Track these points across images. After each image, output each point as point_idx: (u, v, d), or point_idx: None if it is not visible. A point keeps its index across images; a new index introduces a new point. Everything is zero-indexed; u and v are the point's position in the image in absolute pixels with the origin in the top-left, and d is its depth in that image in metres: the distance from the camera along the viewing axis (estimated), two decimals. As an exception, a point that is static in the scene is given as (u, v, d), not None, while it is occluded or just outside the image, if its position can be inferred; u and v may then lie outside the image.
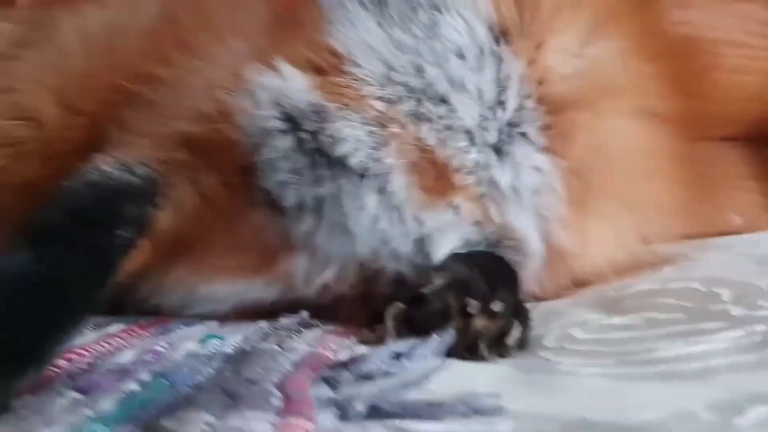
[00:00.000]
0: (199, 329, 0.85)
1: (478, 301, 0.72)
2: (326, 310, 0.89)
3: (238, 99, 0.90)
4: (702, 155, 1.09)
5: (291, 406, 0.53)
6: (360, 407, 0.54)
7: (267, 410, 0.51)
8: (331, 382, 0.61)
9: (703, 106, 1.07)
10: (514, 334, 0.72)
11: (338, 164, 0.86)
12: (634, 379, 0.63)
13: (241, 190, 0.91)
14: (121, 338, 0.80)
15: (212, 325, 0.87)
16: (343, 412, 0.54)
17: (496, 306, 0.72)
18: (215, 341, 0.77)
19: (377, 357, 0.65)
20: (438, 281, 0.76)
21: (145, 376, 0.61)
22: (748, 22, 1.17)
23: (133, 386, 0.59)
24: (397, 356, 0.66)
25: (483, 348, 0.70)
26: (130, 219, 0.88)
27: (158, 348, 0.74)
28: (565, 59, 0.91)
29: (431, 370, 0.65)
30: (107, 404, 0.54)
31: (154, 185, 0.91)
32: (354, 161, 0.86)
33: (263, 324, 0.85)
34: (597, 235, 0.94)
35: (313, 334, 0.81)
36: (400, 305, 0.76)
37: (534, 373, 0.67)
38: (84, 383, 0.60)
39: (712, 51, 1.12)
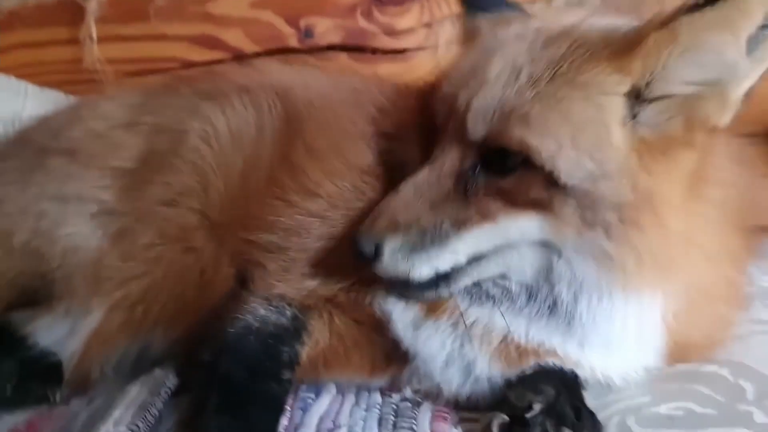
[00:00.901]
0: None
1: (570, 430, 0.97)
2: None
3: None
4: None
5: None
6: None
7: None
8: None
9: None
10: None
11: None
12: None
13: (369, 324, 1.17)
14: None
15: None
16: None
17: None
18: None
19: None
20: (537, 406, 1.00)
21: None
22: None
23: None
24: None
25: None
26: (287, 361, 1.12)
27: None
28: None
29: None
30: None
31: (302, 325, 1.15)
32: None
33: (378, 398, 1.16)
34: None
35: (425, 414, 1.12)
36: (505, 417, 1.01)
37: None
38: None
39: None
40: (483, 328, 1.11)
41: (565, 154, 0.97)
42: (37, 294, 1.32)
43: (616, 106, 0.98)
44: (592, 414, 1.04)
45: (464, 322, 1.10)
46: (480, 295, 1.10)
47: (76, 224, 1.34)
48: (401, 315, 1.14)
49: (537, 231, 1.01)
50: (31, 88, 2.03)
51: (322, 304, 1.18)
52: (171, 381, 1.20)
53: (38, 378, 1.22)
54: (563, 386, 1.07)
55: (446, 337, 1.12)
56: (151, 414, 1.10)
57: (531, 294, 1.07)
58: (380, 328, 1.16)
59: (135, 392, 1.15)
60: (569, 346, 1.09)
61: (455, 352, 1.12)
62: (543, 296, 1.06)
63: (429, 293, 1.07)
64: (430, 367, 1.13)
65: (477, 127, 1.02)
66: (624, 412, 1.07)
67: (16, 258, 1.34)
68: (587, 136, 0.98)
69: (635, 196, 0.98)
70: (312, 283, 1.17)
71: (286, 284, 1.18)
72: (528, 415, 0.99)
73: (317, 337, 1.17)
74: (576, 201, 0.98)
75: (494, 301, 1.09)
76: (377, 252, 1.03)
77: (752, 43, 0.93)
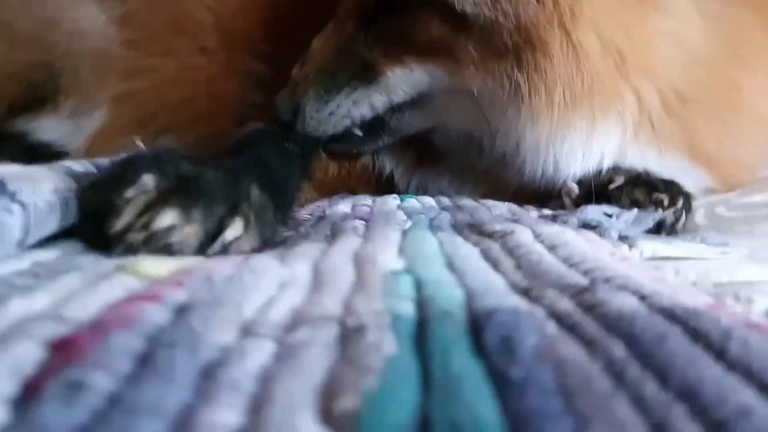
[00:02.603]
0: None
1: (665, 194, 0.87)
2: None
3: None
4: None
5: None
6: (614, 234, 0.68)
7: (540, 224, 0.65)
8: (558, 222, 0.73)
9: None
10: (682, 219, 0.87)
11: None
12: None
13: None
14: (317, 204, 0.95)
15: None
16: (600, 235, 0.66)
17: (679, 201, 0.87)
18: (410, 199, 0.96)
19: (594, 211, 0.78)
20: (619, 179, 0.90)
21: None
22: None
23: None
24: (608, 215, 0.79)
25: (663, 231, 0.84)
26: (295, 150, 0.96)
27: (367, 202, 0.92)
28: None
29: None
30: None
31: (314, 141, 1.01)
32: None
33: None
34: None
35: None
36: (574, 187, 0.91)
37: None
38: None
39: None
40: None
41: None
42: (43, 90, 1.24)
43: None
44: (678, 184, 0.92)
45: None
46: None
47: (80, 8, 1.24)
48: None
49: (446, 76, 0.91)
50: None
51: None
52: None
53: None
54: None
55: None
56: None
57: (476, 144, 0.98)
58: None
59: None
60: None
61: None
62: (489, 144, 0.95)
63: (362, 146, 1.02)
64: None
65: None
66: (711, 204, 0.97)
67: (20, 49, 1.24)
68: None
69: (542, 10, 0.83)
70: None
71: None
72: (611, 186, 0.88)
73: (328, 162, 1.08)
74: (477, 33, 0.86)
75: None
76: (296, 113, 0.97)
77: None
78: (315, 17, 1.06)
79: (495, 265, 0.50)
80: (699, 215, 0.94)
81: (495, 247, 0.54)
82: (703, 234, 0.68)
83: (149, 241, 0.53)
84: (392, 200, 0.94)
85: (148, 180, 0.54)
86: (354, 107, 0.95)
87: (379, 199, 0.96)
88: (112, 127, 1.22)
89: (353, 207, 0.90)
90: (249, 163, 0.72)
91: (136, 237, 0.53)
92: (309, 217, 0.87)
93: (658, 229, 0.83)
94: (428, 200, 0.96)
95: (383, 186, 1.09)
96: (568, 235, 0.57)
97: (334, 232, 0.67)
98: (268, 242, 0.64)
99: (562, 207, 0.91)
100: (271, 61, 1.19)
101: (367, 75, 0.94)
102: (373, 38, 0.94)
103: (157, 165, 0.56)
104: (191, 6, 1.23)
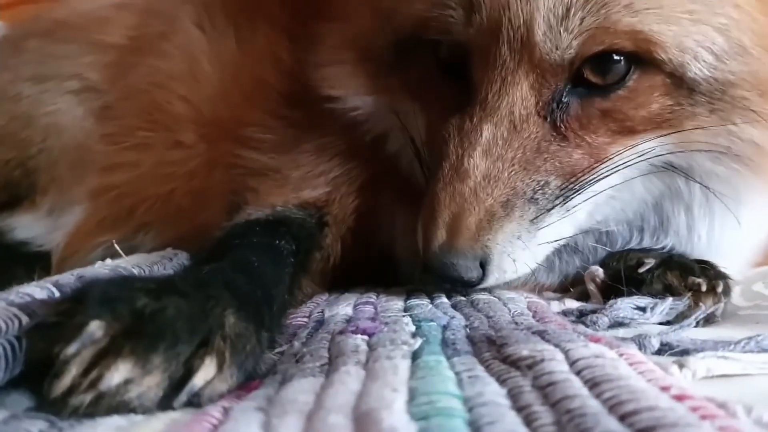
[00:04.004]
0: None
1: (702, 278, 0.79)
2: None
3: None
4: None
5: (593, 338, 0.56)
6: (655, 343, 0.61)
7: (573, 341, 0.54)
8: (587, 324, 0.69)
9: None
10: (721, 308, 0.78)
11: None
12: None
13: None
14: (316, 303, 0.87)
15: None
16: (640, 347, 0.60)
17: (719, 286, 0.79)
18: (418, 293, 0.85)
19: (625, 307, 0.73)
20: (650, 261, 0.82)
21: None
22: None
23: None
24: (641, 309, 0.73)
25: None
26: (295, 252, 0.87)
27: (371, 299, 0.83)
28: None
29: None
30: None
31: (318, 229, 0.95)
32: None
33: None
34: None
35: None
36: (599, 271, 0.84)
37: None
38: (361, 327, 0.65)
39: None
40: None
41: (688, 38, 0.72)
42: (19, 188, 1.20)
43: None
44: (714, 266, 0.84)
45: None
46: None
47: (56, 102, 1.20)
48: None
49: (660, 154, 0.78)
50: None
51: (335, 226, 0.98)
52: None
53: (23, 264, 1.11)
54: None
55: None
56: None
57: (632, 233, 0.88)
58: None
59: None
60: None
61: None
62: (650, 230, 0.87)
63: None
64: None
65: (557, 40, 0.72)
66: (749, 280, 0.94)
67: None
68: (708, 5, 0.73)
69: None
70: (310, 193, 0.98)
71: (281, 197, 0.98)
72: (642, 270, 0.80)
73: (329, 253, 0.98)
74: (706, 97, 0.75)
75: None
76: (484, 267, 0.75)
77: None
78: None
79: (528, 420, 0.40)
80: (735, 293, 0.87)
81: (526, 387, 0.45)
82: (758, 335, 0.58)
83: (99, 402, 0.45)
84: (397, 296, 0.84)
85: (96, 328, 0.46)
86: (554, 232, 0.77)
87: (383, 295, 0.86)
88: (90, 222, 1.17)
89: (355, 307, 0.80)
90: (227, 275, 0.63)
91: (83, 399, 0.44)
92: (305, 321, 0.78)
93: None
94: (437, 294, 0.85)
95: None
96: (608, 363, 0.48)
97: (333, 356, 0.58)
98: (252, 375, 0.55)
99: (586, 293, 0.83)
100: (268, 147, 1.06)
101: (569, 184, 0.76)
102: (569, 133, 0.76)
103: (108, 303, 0.48)
104: (164, 97, 1.16)
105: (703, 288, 0.77)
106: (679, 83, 0.73)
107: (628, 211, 0.85)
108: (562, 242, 0.80)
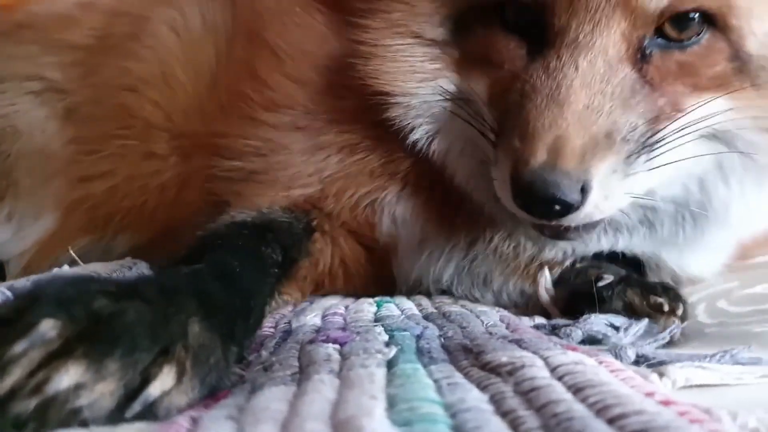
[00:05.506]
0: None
1: (664, 298, 0.79)
2: None
3: None
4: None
5: (570, 347, 0.56)
6: (631, 354, 0.60)
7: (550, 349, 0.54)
8: (561, 336, 0.69)
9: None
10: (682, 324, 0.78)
11: None
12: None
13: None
14: (282, 314, 0.83)
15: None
16: (616, 357, 0.58)
17: (679, 308, 0.79)
18: (387, 304, 0.85)
19: (599, 322, 0.72)
20: (608, 277, 0.82)
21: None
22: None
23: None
24: (614, 327, 0.73)
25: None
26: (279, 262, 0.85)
27: (339, 311, 0.81)
28: None
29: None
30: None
31: (306, 234, 0.92)
32: None
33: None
34: None
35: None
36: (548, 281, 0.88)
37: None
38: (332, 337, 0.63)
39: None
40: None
41: (762, 19, 0.76)
42: None
43: None
44: (674, 287, 0.85)
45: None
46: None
47: (14, 104, 1.14)
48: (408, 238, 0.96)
49: (722, 118, 0.78)
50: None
51: (327, 225, 0.96)
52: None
53: None
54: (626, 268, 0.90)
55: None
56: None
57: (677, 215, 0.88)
58: (386, 252, 0.98)
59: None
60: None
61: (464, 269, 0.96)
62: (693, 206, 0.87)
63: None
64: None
65: None
66: (712, 296, 0.92)
67: None
68: None
69: None
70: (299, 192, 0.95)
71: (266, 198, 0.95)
72: (600, 284, 0.79)
73: (318, 257, 0.95)
74: (754, 70, 0.78)
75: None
76: (584, 192, 0.72)
77: None
78: None
79: (514, 425, 0.39)
80: (700, 310, 0.87)
81: (508, 392, 0.44)
82: (731, 348, 0.59)
83: (46, 411, 0.41)
84: (368, 307, 0.82)
85: (48, 327, 0.42)
86: (647, 178, 0.76)
87: (352, 306, 0.85)
88: (63, 231, 1.13)
89: (323, 318, 0.78)
90: (201, 281, 0.59)
91: (26, 404, 0.40)
92: (272, 331, 0.75)
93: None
94: (408, 305, 0.85)
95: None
96: (589, 369, 0.47)
97: (303, 365, 0.55)
98: (215, 389, 0.52)
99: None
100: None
101: (657, 130, 0.75)
102: (652, 80, 0.76)
103: (64, 303, 0.44)
104: (135, 102, 1.11)
105: (665, 308, 0.77)
106: (736, 55, 0.77)
107: (676, 184, 0.84)
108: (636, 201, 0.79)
